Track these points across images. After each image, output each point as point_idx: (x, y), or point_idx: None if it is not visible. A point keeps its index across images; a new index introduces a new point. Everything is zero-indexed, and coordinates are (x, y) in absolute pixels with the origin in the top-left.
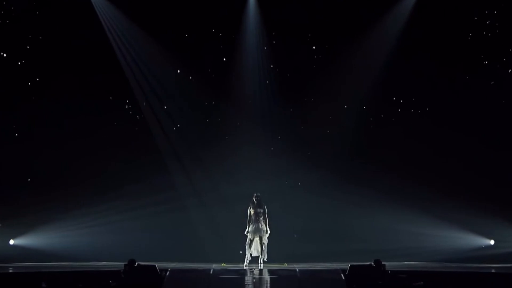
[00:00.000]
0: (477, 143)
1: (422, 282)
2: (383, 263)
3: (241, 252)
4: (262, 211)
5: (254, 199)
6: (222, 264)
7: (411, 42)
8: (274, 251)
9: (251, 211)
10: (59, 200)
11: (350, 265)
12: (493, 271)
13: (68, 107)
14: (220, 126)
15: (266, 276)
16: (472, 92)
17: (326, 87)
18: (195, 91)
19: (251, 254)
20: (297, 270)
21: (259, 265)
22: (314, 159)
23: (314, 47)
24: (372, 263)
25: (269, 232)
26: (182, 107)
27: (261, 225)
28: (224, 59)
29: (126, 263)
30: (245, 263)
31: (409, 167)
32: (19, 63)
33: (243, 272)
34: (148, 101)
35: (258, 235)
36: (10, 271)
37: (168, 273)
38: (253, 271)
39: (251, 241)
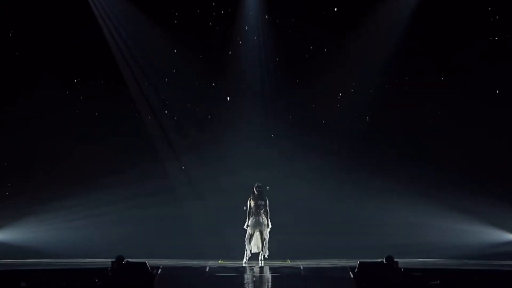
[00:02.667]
0: (505, 131)
1: (438, 281)
2: (395, 260)
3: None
4: (263, 203)
5: (254, 189)
6: (219, 261)
7: (425, 18)
8: (276, 247)
9: (251, 203)
10: (35, 192)
11: (360, 262)
12: None
13: (44, 88)
14: (217, 109)
15: (268, 274)
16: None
17: (336, 65)
18: (189, 71)
19: (250, 250)
20: (301, 267)
21: (260, 262)
22: (321, 145)
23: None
24: (384, 260)
25: (270, 226)
26: (174, 87)
27: (262, 219)
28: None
29: (113, 260)
30: (244, 259)
31: (426, 154)
32: None
33: (242, 270)
34: (135, 79)
35: (258, 229)
36: None
37: (159, 270)
38: (253, 269)
39: (251, 235)
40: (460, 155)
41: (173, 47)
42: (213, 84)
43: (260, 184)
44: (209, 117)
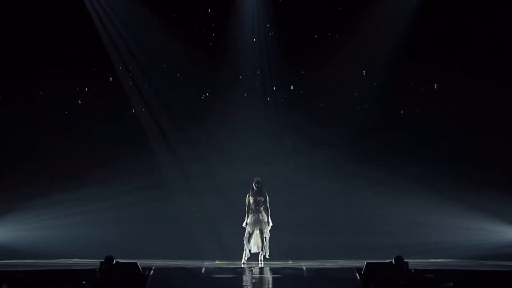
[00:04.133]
0: None
1: (452, 283)
2: (405, 260)
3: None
4: (263, 199)
5: (253, 185)
6: (216, 262)
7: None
8: (277, 247)
9: (250, 199)
10: (18, 187)
11: (367, 262)
12: None
13: (29, 78)
14: (214, 99)
15: (268, 275)
16: None
17: (342, 52)
18: (184, 57)
19: (250, 250)
20: (304, 268)
21: (260, 262)
22: (325, 138)
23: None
24: (393, 261)
25: (271, 224)
26: (168, 74)
27: (262, 216)
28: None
29: (102, 260)
30: (243, 260)
31: (438, 148)
32: None
33: (240, 271)
34: (125, 65)
35: (258, 228)
36: None
37: (152, 272)
38: (252, 270)
39: (250, 234)
40: (473, 149)
41: (166, 33)
42: (209, 73)
43: (259, 179)
44: (205, 107)
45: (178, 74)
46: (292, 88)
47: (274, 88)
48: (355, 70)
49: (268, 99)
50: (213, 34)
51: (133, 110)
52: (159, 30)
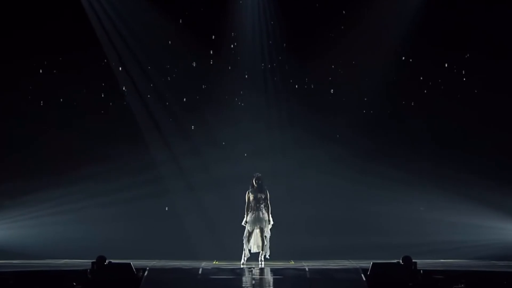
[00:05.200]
0: None
1: (463, 285)
2: (414, 260)
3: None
4: (263, 196)
5: (253, 181)
6: (214, 262)
7: None
8: (278, 246)
9: (250, 196)
10: (7, 183)
11: (373, 263)
12: None
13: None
14: (212, 89)
15: (269, 276)
16: None
17: (349, 40)
18: (180, 44)
19: (250, 250)
20: (307, 269)
21: (260, 263)
22: (328, 131)
23: None
24: (400, 261)
25: (272, 222)
26: (163, 63)
27: (262, 214)
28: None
29: (94, 261)
30: (243, 260)
31: (450, 141)
32: None
33: (239, 272)
34: (118, 54)
35: (258, 226)
36: None
37: (146, 273)
38: (252, 270)
39: (250, 233)
40: (488, 142)
41: (160, 18)
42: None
43: (259, 175)
44: (202, 98)
45: (173, 63)
46: (294, 77)
47: (275, 78)
48: (361, 59)
49: (269, 89)
50: (211, 21)
51: (124, 103)
52: (153, 15)
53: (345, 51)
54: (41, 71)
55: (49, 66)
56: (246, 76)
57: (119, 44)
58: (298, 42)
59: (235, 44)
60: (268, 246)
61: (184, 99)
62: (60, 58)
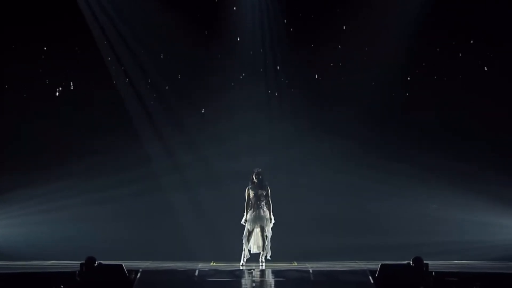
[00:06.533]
0: None
1: None
2: (425, 262)
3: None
4: (264, 193)
5: (253, 177)
6: (211, 263)
7: None
8: (280, 246)
9: (250, 193)
10: None
11: (381, 264)
12: None
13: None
14: (209, 79)
15: (270, 279)
16: None
17: (353, 24)
18: (175, 31)
19: (249, 250)
20: (311, 271)
21: (261, 264)
22: (333, 123)
23: None
24: (411, 262)
25: (273, 221)
26: (157, 51)
27: (263, 212)
28: None
29: (82, 262)
30: (242, 261)
31: (464, 134)
32: None
33: (239, 274)
34: (109, 42)
35: (259, 225)
36: None
37: (139, 275)
38: (252, 272)
39: (250, 232)
40: (505, 136)
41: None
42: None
43: (260, 171)
44: (198, 88)
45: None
46: (297, 66)
47: (278, 66)
48: (369, 46)
49: (269, 76)
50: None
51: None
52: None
53: (352, 37)
54: (23, 60)
55: (33, 54)
56: (244, 63)
57: (108, 27)
58: (301, 25)
59: (233, 28)
60: (269, 246)
61: (178, 87)
62: (45, 48)
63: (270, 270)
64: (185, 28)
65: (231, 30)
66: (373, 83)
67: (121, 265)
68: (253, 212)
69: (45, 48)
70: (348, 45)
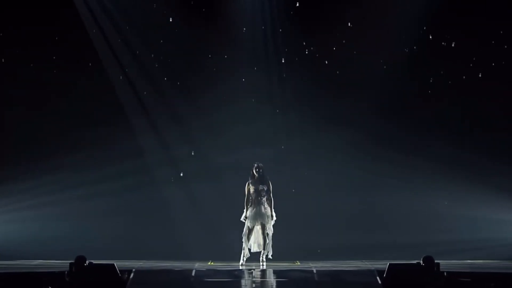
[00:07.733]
0: None
1: None
2: (436, 261)
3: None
4: (265, 188)
5: (254, 171)
6: (209, 263)
7: None
8: (282, 245)
9: (250, 188)
10: None
11: (390, 264)
12: None
13: None
14: (207, 68)
15: (271, 279)
16: None
17: (361, 8)
18: (171, 17)
19: (249, 249)
20: (315, 271)
21: (261, 263)
22: (339, 113)
23: None
24: (421, 262)
25: (275, 218)
26: (152, 39)
27: (264, 209)
28: None
29: (72, 262)
30: (242, 261)
31: (474, 127)
32: None
33: (238, 274)
34: (102, 31)
35: (259, 223)
36: None
37: (132, 275)
38: (252, 272)
39: (250, 230)
40: None
41: None
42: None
43: (261, 165)
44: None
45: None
46: (302, 51)
47: (282, 53)
48: (378, 31)
49: (271, 63)
50: None
51: (120, 77)
52: None
53: (360, 21)
54: (10, 45)
55: (21, 40)
56: (246, 50)
57: (99, 14)
58: (306, 8)
59: (233, 12)
60: (270, 245)
61: (176, 79)
62: (33, 34)
63: (271, 270)
64: (182, 15)
65: (231, 17)
66: (384, 67)
67: (113, 264)
68: (253, 208)
69: (33, 35)
70: (358, 29)
